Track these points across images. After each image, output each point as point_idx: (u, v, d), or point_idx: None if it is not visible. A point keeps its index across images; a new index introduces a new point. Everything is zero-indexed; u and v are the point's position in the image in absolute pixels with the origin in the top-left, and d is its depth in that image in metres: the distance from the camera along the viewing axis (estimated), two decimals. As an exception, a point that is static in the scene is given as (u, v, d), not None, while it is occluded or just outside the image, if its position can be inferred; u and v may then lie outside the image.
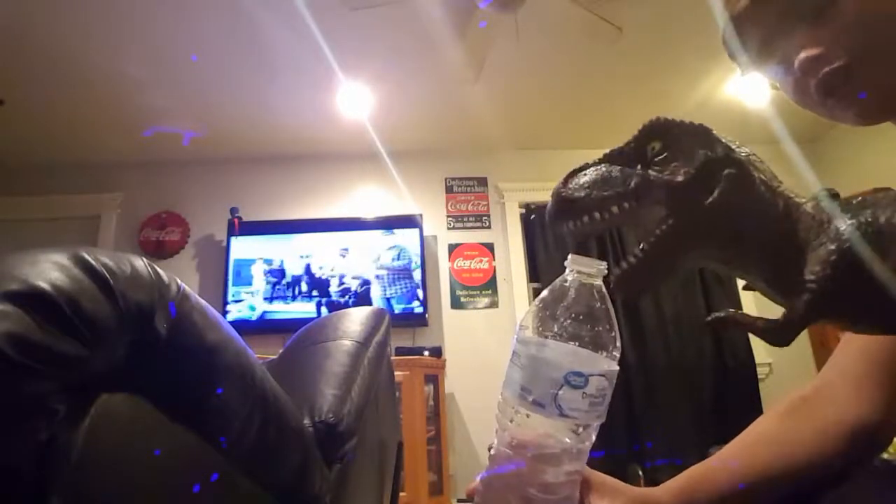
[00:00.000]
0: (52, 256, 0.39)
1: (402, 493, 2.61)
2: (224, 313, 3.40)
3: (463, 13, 2.44)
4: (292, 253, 3.57)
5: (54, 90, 3.04)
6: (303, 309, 3.45)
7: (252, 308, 3.46)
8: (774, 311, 0.41)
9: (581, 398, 0.43)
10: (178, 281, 0.50)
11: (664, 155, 0.42)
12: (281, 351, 1.03)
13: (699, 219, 0.40)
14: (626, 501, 0.55)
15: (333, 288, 3.51)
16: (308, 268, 3.54)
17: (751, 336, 3.50)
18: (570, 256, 0.47)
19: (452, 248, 3.77)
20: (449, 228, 3.82)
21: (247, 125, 3.51)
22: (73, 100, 3.14)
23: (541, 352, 0.44)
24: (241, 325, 3.23)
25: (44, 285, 0.37)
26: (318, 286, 3.51)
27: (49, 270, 0.38)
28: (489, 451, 0.49)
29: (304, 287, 3.50)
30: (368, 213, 3.71)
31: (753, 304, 3.66)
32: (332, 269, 3.54)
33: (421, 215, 3.68)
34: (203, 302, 0.53)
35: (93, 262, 0.41)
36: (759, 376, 3.50)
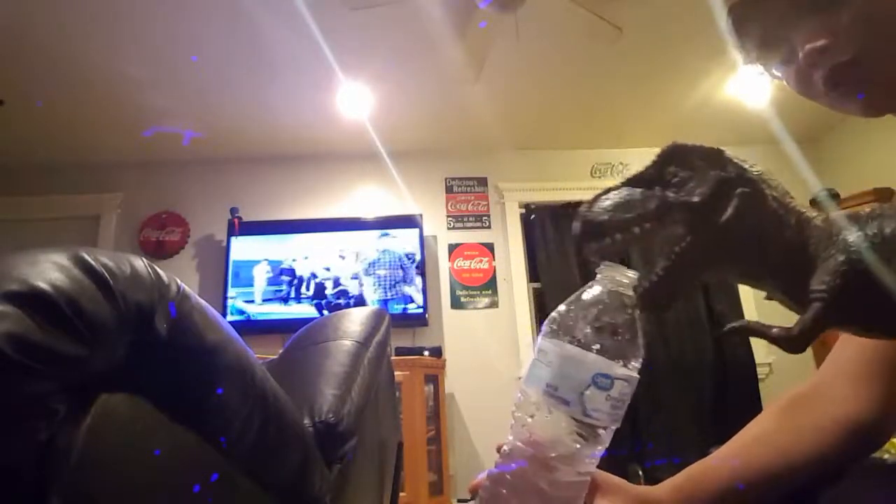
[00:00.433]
0: (52, 257, 0.39)
1: (402, 493, 2.61)
2: (224, 313, 3.40)
3: (463, 13, 2.44)
4: (292, 253, 3.57)
5: (54, 90, 3.04)
6: (303, 309, 3.45)
7: (252, 308, 3.46)
8: (775, 310, 0.42)
9: (605, 400, 0.45)
10: (178, 281, 0.50)
11: (681, 177, 0.45)
12: (281, 351, 1.03)
13: (715, 236, 0.43)
14: (628, 500, 0.55)
15: (333, 288, 3.51)
16: (308, 268, 3.54)
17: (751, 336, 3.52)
18: (602, 264, 0.48)
19: (452, 248, 3.77)
20: (449, 228, 3.82)
21: (247, 125, 3.51)
22: (73, 100, 3.14)
23: (570, 352, 0.46)
24: (241, 326, 3.23)
25: (43, 286, 0.37)
26: (318, 286, 3.51)
27: (49, 271, 0.38)
28: (499, 450, 0.49)
29: (304, 287, 3.51)
30: (368, 213, 3.71)
31: (753, 303, 3.67)
32: (332, 269, 3.54)
33: (421, 215, 3.68)
34: (203, 302, 0.53)
35: (93, 262, 0.41)
36: (759, 376, 3.51)
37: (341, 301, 3.48)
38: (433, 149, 3.89)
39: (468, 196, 3.91)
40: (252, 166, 3.86)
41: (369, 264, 3.55)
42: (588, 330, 0.46)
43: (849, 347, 0.65)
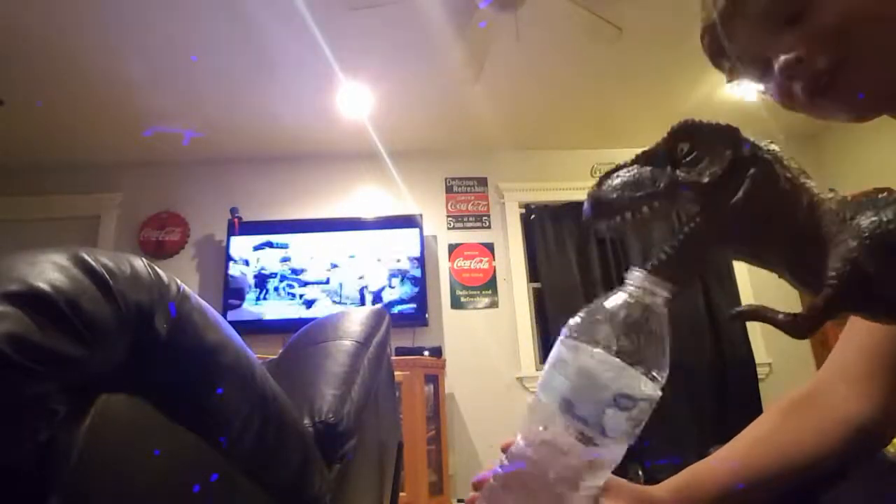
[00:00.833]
0: (52, 257, 0.39)
1: (402, 493, 2.61)
2: (224, 313, 3.40)
3: (463, 13, 2.44)
4: (292, 253, 3.57)
5: (54, 90, 3.04)
6: (302, 309, 3.45)
7: (252, 309, 3.46)
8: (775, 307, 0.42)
9: (625, 421, 0.42)
10: (178, 281, 0.50)
11: (693, 155, 0.44)
12: (281, 351, 1.03)
13: (726, 217, 0.42)
14: (628, 499, 0.55)
15: (333, 288, 3.51)
16: (308, 268, 3.54)
17: (751, 336, 3.52)
18: (634, 271, 0.44)
19: (452, 248, 3.77)
20: (449, 228, 3.82)
21: (247, 125, 3.51)
22: (73, 100, 3.14)
23: (592, 368, 0.42)
24: (241, 326, 3.23)
25: (43, 286, 0.37)
26: (318, 286, 3.51)
27: (48, 271, 0.38)
28: (504, 449, 0.48)
29: (303, 287, 3.51)
30: (368, 213, 3.71)
31: (753, 302, 3.66)
32: (332, 269, 3.54)
33: (421, 215, 3.68)
34: (203, 302, 0.53)
35: (92, 262, 0.41)
36: (759, 376, 3.51)
37: (341, 301, 3.47)
38: (433, 149, 3.89)
39: (468, 196, 3.91)
40: (252, 166, 3.86)
41: (369, 264, 3.55)
42: (610, 341, 0.42)
43: (850, 348, 0.65)
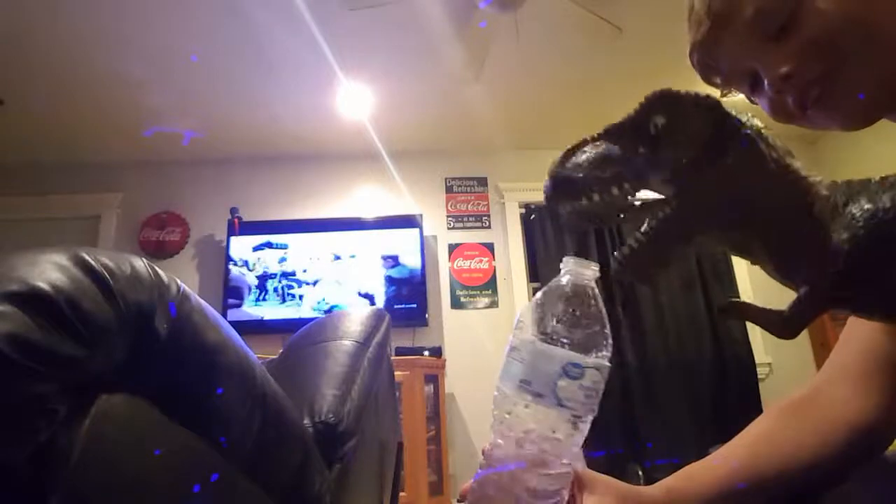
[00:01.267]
0: (52, 257, 0.39)
1: (402, 493, 2.61)
2: (224, 314, 3.40)
3: (463, 13, 2.44)
4: (292, 253, 3.57)
5: (54, 90, 3.04)
6: (302, 309, 3.45)
7: (251, 308, 3.46)
8: (775, 305, 0.41)
9: (578, 389, 0.45)
10: (179, 281, 0.50)
11: (668, 131, 0.39)
12: (281, 351, 1.03)
13: (705, 200, 0.38)
14: (617, 497, 0.55)
15: (333, 288, 3.51)
16: (308, 268, 3.54)
17: (751, 335, 3.52)
18: (564, 258, 0.48)
19: (452, 248, 3.77)
20: (449, 228, 3.82)
21: (247, 125, 3.51)
22: (73, 100, 3.14)
23: (540, 346, 0.46)
24: (241, 326, 3.23)
25: (43, 286, 0.37)
26: (318, 286, 3.51)
27: (49, 271, 0.38)
28: (484, 449, 0.50)
29: (303, 287, 3.50)
30: (368, 213, 3.71)
31: (753, 300, 3.66)
32: (332, 269, 3.54)
33: (421, 215, 3.68)
34: (203, 302, 0.53)
35: (92, 262, 0.41)
36: (759, 376, 3.50)
37: (341, 301, 3.47)
38: (433, 149, 3.89)
39: (468, 196, 3.91)
40: (252, 166, 3.86)
41: (369, 264, 3.55)
42: (556, 324, 0.46)
43: (850, 349, 0.65)
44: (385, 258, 3.56)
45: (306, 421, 0.74)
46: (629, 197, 0.39)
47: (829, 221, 0.37)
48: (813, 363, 3.56)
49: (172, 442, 0.48)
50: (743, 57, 0.57)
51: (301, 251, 3.57)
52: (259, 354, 0.69)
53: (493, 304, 3.67)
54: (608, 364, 0.47)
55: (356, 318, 1.02)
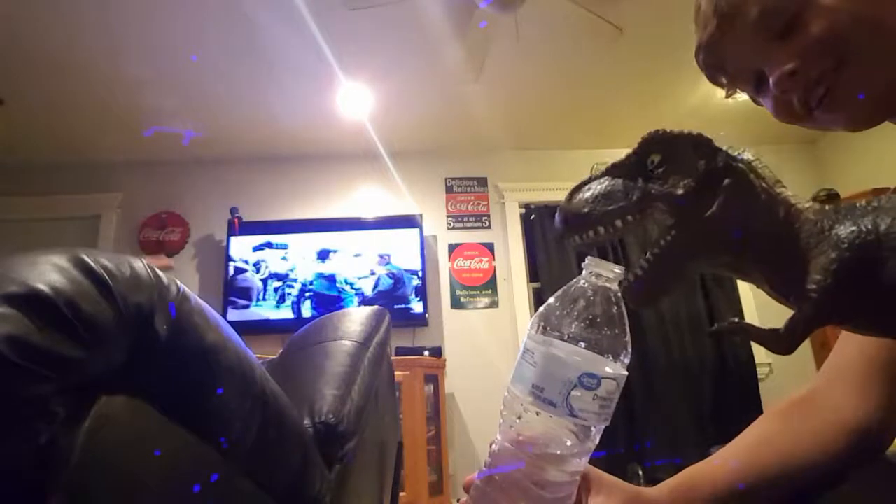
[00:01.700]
0: (52, 258, 0.39)
1: (402, 493, 2.61)
2: (224, 314, 3.40)
3: (463, 13, 2.44)
4: (292, 253, 3.57)
5: (54, 90, 3.04)
6: (302, 309, 3.45)
7: (251, 309, 3.46)
8: (775, 307, 0.41)
9: (592, 400, 0.44)
10: (178, 282, 0.50)
11: (665, 167, 0.43)
12: (281, 351, 1.03)
13: (701, 229, 0.41)
14: (622, 498, 0.55)
15: (332, 288, 3.50)
16: (308, 268, 3.54)
17: (751, 336, 3.51)
18: (587, 259, 0.47)
19: (452, 248, 3.77)
20: (449, 228, 3.82)
21: (247, 125, 3.51)
22: (73, 100, 3.14)
23: (555, 351, 0.45)
24: (241, 326, 3.23)
25: (43, 287, 0.37)
26: (318, 286, 3.51)
27: (48, 272, 0.38)
28: (490, 446, 0.49)
29: (303, 287, 3.50)
30: (368, 213, 3.71)
31: (753, 304, 3.67)
32: (332, 269, 3.54)
33: (421, 215, 3.68)
34: (203, 303, 0.53)
35: (92, 263, 0.41)
36: (759, 376, 3.51)
37: (340, 301, 3.47)
38: (433, 149, 3.89)
39: (468, 196, 3.91)
40: (252, 166, 3.86)
41: (369, 264, 3.55)
42: (574, 327, 0.45)
43: (847, 352, 0.65)
44: (385, 258, 3.56)
45: (306, 421, 0.74)
46: (631, 228, 0.44)
47: (817, 244, 0.39)
48: (813, 363, 3.55)
49: (172, 442, 0.48)
50: (749, 56, 0.56)
51: (301, 251, 3.57)
52: (259, 354, 0.69)
53: (493, 304, 3.67)
54: (625, 373, 0.46)
55: (356, 317, 1.02)
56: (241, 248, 3.57)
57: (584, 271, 0.47)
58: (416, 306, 3.46)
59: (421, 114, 3.52)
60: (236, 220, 3.60)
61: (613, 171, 0.45)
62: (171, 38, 2.70)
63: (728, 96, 0.64)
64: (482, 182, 3.94)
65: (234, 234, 3.58)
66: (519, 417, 0.46)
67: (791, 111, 0.56)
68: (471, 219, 3.86)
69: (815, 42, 0.51)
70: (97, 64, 2.84)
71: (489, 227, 3.85)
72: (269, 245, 3.59)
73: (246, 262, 3.54)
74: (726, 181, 0.41)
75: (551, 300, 0.48)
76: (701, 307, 3.60)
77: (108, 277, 0.41)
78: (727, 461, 0.62)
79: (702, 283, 3.64)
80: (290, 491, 0.65)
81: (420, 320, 3.45)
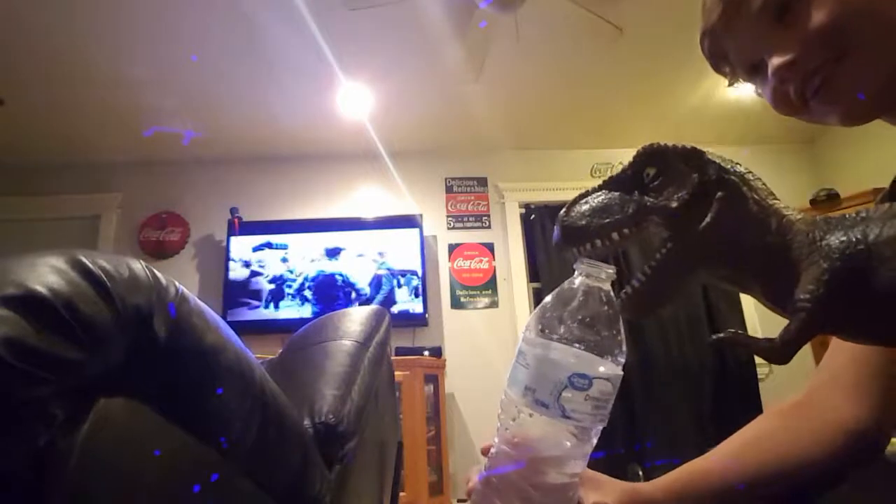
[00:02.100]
0: (50, 260, 0.39)
1: (402, 493, 2.61)
2: (223, 314, 3.40)
3: (463, 13, 2.44)
4: (292, 253, 3.57)
5: (54, 90, 3.04)
6: (302, 309, 3.45)
7: (251, 309, 3.46)
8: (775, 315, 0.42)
9: (584, 400, 0.44)
10: (177, 283, 0.50)
11: (659, 180, 0.44)
12: (281, 351, 1.03)
13: (696, 241, 0.42)
14: (617, 495, 0.55)
15: (332, 288, 3.50)
16: (308, 268, 3.54)
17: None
18: (578, 260, 0.47)
19: (452, 248, 3.77)
20: (449, 228, 3.82)
21: (247, 125, 3.51)
22: (73, 100, 3.14)
23: (546, 352, 0.45)
24: (241, 326, 3.23)
25: (41, 289, 0.37)
26: (318, 286, 3.51)
27: (46, 274, 0.38)
28: (485, 452, 0.49)
29: (303, 287, 3.50)
30: (368, 213, 3.71)
31: (753, 304, 3.66)
32: (332, 269, 3.54)
33: (421, 215, 3.68)
34: (201, 304, 0.53)
35: (90, 265, 0.41)
36: (759, 377, 3.50)
37: (341, 301, 3.47)
38: (433, 149, 3.89)
39: (468, 196, 3.91)
40: (252, 166, 3.86)
41: (369, 264, 3.55)
42: (566, 328, 0.45)
43: (840, 356, 0.65)
44: (385, 258, 3.56)
45: (306, 421, 0.74)
46: (627, 240, 0.44)
47: (809, 254, 0.40)
48: (813, 363, 3.54)
49: (172, 443, 0.48)
50: (751, 44, 0.56)
51: (301, 251, 3.57)
52: (259, 354, 0.69)
53: (493, 304, 3.67)
54: (620, 373, 0.46)
55: (356, 317, 1.02)
56: (241, 248, 3.57)
57: (575, 273, 0.48)
58: (416, 306, 3.46)
59: (421, 114, 3.52)
60: (236, 221, 3.60)
61: (610, 184, 0.46)
62: (171, 37, 2.70)
63: (730, 85, 0.64)
64: (482, 182, 3.94)
65: (234, 235, 3.57)
66: (514, 420, 0.46)
67: (788, 101, 0.56)
68: (471, 219, 3.86)
69: (816, 33, 0.51)
70: (97, 64, 2.83)
71: (489, 227, 3.85)
72: (269, 245, 3.59)
73: (246, 262, 3.54)
74: (719, 194, 0.42)
75: (544, 302, 0.49)
76: (701, 308, 3.60)
77: (106, 279, 0.41)
78: (724, 458, 0.62)
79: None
80: (290, 491, 0.65)
81: (420, 320, 3.45)
